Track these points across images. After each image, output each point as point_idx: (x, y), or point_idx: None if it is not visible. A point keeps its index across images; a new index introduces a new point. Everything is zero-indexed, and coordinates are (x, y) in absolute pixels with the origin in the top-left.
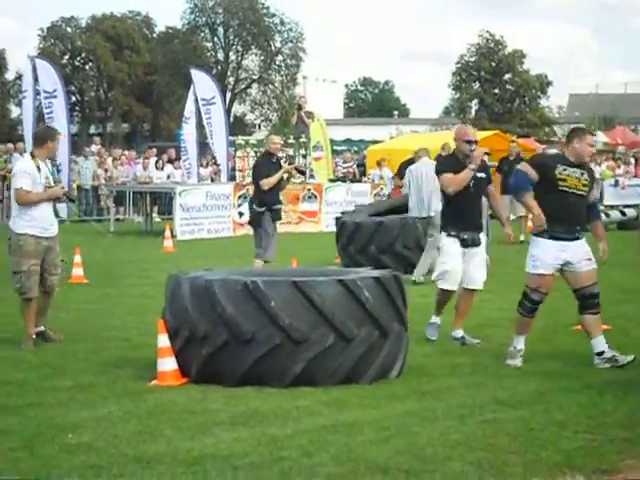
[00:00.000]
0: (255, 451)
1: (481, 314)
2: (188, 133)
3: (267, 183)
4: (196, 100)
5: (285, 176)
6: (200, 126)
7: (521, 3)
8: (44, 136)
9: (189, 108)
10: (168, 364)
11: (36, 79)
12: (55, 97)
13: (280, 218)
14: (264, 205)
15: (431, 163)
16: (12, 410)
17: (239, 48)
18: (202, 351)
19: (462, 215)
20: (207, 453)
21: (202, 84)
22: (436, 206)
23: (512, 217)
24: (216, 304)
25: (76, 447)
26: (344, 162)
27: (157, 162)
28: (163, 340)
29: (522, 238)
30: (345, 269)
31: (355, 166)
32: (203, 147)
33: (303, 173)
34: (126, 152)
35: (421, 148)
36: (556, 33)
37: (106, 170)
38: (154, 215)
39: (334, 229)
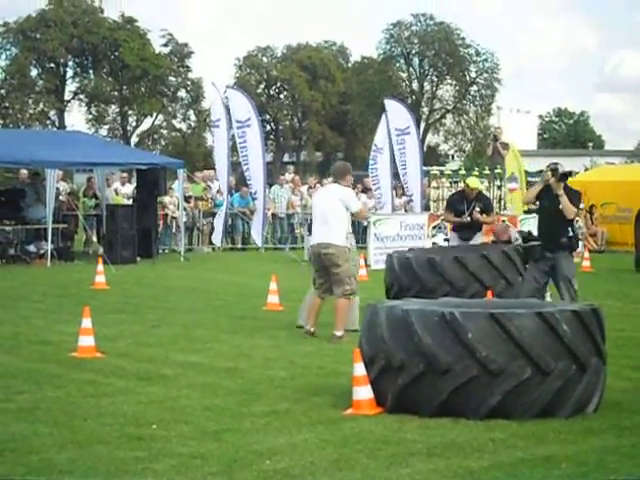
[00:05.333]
0: None
1: None
2: (382, 162)
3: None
4: (389, 130)
5: None
6: (392, 156)
7: None
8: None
9: (381, 138)
10: (364, 393)
11: (229, 109)
12: (249, 126)
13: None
14: None
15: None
16: (211, 435)
17: (434, 78)
18: (398, 380)
19: None
20: None
21: (396, 114)
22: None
23: None
24: (413, 334)
25: (273, 473)
26: None
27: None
28: (359, 368)
29: None
30: (543, 302)
31: None
32: (395, 177)
33: None
34: (325, 180)
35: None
36: None
37: (301, 198)
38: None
39: None
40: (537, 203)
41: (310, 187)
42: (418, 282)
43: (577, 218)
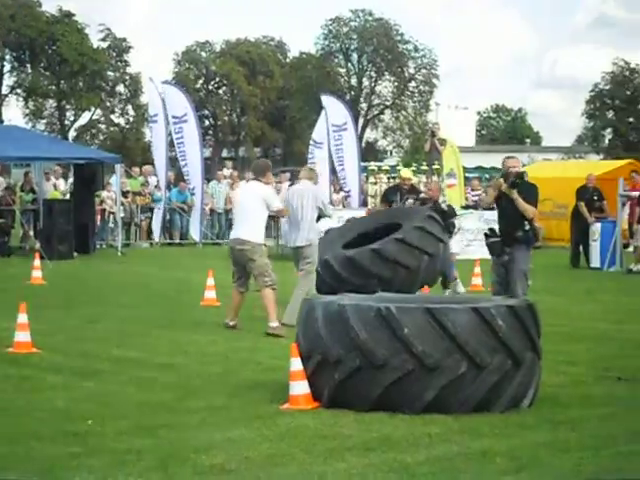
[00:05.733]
0: (387, 477)
1: (613, 344)
2: (321, 158)
3: None
4: (327, 126)
5: None
6: (330, 151)
7: None
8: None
9: (320, 133)
10: (300, 388)
11: (165, 104)
12: (186, 122)
13: None
14: None
15: (312, 186)
16: (146, 430)
17: (372, 74)
18: (334, 375)
19: None
20: (339, 478)
21: (333, 110)
22: (310, 235)
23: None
24: (349, 329)
25: (209, 468)
26: (472, 190)
27: (290, 186)
28: (296, 364)
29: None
30: (479, 297)
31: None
32: (332, 173)
33: None
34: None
35: (305, 168)
36: None
37: None
38: None
39: (466, 256)
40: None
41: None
42: (343, 284)
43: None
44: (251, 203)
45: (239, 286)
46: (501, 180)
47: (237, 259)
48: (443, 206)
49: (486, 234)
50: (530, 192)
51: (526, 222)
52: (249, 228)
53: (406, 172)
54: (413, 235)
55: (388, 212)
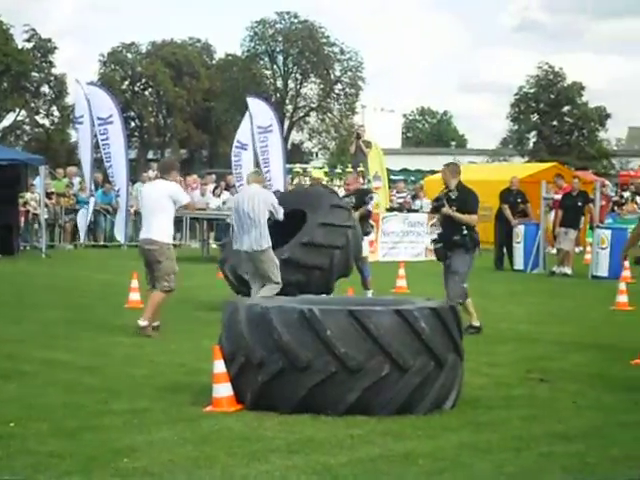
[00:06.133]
0: (310, 479)
1: (536, 346)
2: (245, 159)
3: None
4: (252, 128)
5: None
6: (256, 153)
7: (579, 35)
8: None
9: (245, 135)
10: (223, 390)
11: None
12: (111, 123)
13: None
14: None
15: (263, 190)
16: (68, 433)
17: (298, 76)
18: (258, 377)
19: None
20: None
21: (259, 112)
22: (263, 239)
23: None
24: (272, 331)
25: (132, 471)
26: (397, 192)
27: (215, 189)
28: (219, 366)
29: (569, 272)
30: (402, 299)
31: (410, 197)
32: None
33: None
34: (189, 178)
35: (252, 171)
36: (614, 65)
37: None
38: (210, 241)
39: (391, 258)
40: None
41: None
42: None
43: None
44: (158, 201)
45: (152, 286)
46: (434, 204)
47: (147, 259)
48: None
49: (433, 240)
50: (464, 201)
51: (463, 227)
52: (157, 227)
53: (316, 172)
54: (318, 234)
55: (294, 196)
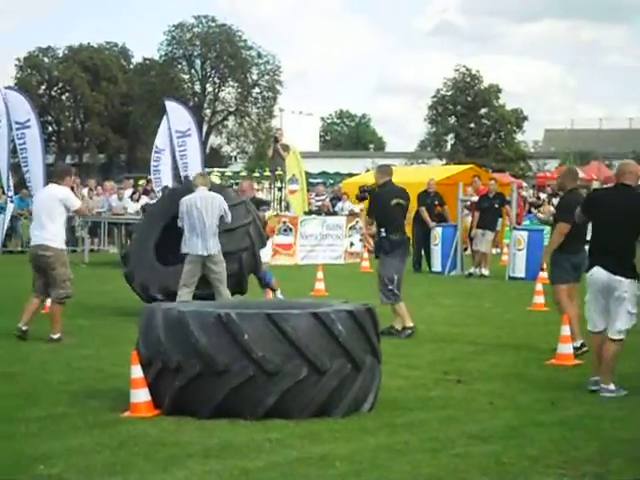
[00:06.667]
0: None
1: (454, 348)
2: (164, 164)
3: None
4: (170, 132)
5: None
6: (174, 158)
7: (496, 38)
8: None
9: (162, 140)
10: (141, 395)
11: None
12: (28, 128)
13: None
14: None
15: (213, 193)
16: None
17: (216, 80)
18: (175, 382)
19: None
20: None
21: (177, 116)
22: (216, 243)
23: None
24: (190, 335)
25: (47, 478)
26: (317, 195)
27: (133, 193)
28: (136, 371)
29: (486, 273)
30: (320, 302)
31: (328, 199)
32: (176, 179)
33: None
34: (106, 183)
35: (199, 174)
36: (531, 68)
37: (82, 200)
38: None
39: (309, 261)
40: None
41: (91, 189)
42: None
43: (357, 219)
44: (50, 206)
45: (40, 293)
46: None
47: (39, 265)
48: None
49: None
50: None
51: (382, 230)
52: (51, 233)
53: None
54: (222, 244)
55: (186, 192)
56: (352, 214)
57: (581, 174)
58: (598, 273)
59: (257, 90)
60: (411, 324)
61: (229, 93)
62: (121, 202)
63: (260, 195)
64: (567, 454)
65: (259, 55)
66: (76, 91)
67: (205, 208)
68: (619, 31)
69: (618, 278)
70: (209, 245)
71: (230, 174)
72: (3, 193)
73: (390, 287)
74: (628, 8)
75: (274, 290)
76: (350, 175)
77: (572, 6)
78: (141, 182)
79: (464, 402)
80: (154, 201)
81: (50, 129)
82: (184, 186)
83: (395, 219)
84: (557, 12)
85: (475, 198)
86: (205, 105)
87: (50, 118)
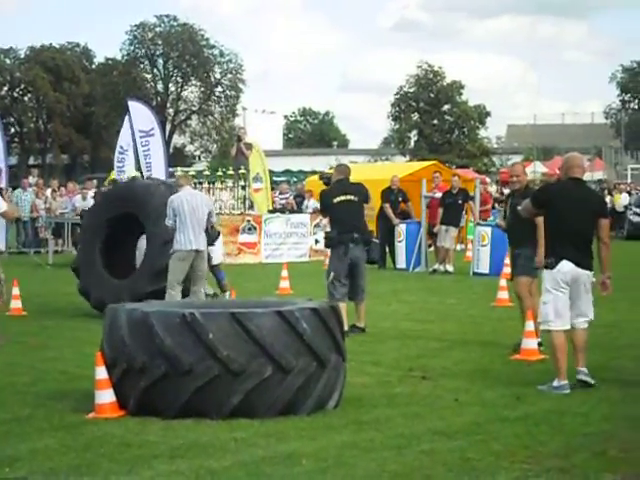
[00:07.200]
0: None
1: (418, 344)
2: (127, 164)
3: None
4: (133, 131)
5: None
6: (137, 158)
7: (459, 35)
8: None
9: (126, 140)
10: (106, 396)
11: None
12: None
13: None
14: None
15: (200, 192)
16: None
17: (179, 79)
18: (140, 383)
19: None
20: None
21: (140, 115)
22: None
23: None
24: (154, 336)
25: None
26: (280, 193)
27: (96, 194)
28: (101, 372)
29: (450, 269)
30: (284, 300)
31: (292, 197)
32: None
33: None
34: (69, 184)
35: (181, 175)
36: (493, 64)
37: (45, 201)
38: None
39: (274, 260)
40: None
41: (54, 190)
42: None
43: (320, 217)
44: None
45: None
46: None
47: None
48: None
49: None
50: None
51: (330, 226)
52: None
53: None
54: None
55: (119, 198)
56: (316, 212)
57: (544, 169)
58: (567, 266)
59: (220, 89)
60: (345, 328)
61: (192, 92)
62: (85, 202)
63: (224, 194)
64: (532, 449)
65: (221, 54)
66: (38, 92)
67: (195, 205)
68: (580, 27)
69: (585, 271)
70: (200, 240)
71: (194, 173)
72: None
73: (334, 283)
74: (588, 4)
75: (224, 291)
76: (314, 173)
77: (532, 2)
78: (106, 182)
79: (429, 398)
80: (89, 207)
81: (13, 130)
82: (115, 189)
83: (338, 217)
84: (518, 8)
85: (438, 194)
86: (168, 104)
87: (12, 119)
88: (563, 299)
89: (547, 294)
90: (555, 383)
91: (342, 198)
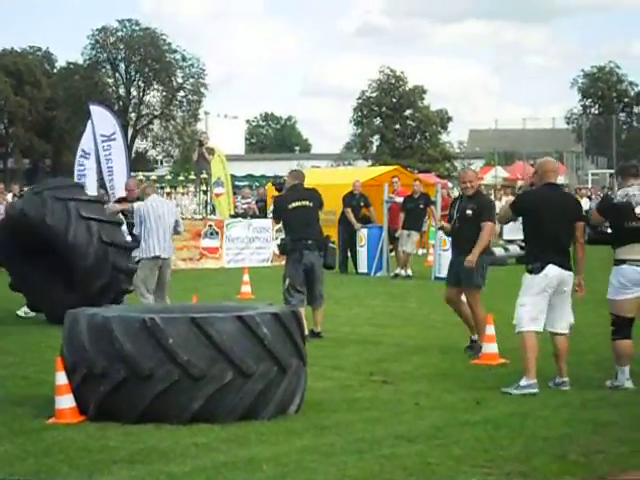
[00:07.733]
0: None
1: (379, 349)
2: (89, 168)
3: None
4: (95, 136)
5: None
6: (99, 162)
7: (421, 40)
8: None
9: (87, 144)
10: (66, 402)
11: None
12: None
13: None
14: None
15: (167, 200)
16: None
17: (141, 84)
18: (100, 388)
19: None
20: None
21: (101, 120)
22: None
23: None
24: (114, 341)
25: None
26: (242, 198)
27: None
28: (61, 377)
29: (409, 273)
30: (245, 305)
31: (255, 202)
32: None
33: None
34: (25, 188)
35: (149, 183)
36: (455, 69)
37: (7, 206)
38: None
39: (236, 265)
40: None
41: (15, 195)
42: None
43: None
44: None
45: None
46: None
47: None
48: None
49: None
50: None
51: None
52: None
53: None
54: (106, 273)
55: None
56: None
57: (506, 174)
58: (554, 271)
59: (182, 93)
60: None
61: (154, 97)
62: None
63: (185, 199)
64: (492, 453)
65: (183, 58)
66: (0, 96)
67: (161, 213)
68: (541, 32)
69: (569, 273)
70: (167, 247)
71: (156, 178)
72: None
73: (290, 290)
74: (549, 9)
75: None
76: (276, 177)
77: (494, 7)
78: None
79: (390, 403)
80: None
81: None
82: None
83: (292, 223)
84: (480, 13)
85: (399, 199)
86: (130, 109)
87: None
88: (542, 304)
89: (527, 297)
90: (523, 382)
91: (297, 204)
